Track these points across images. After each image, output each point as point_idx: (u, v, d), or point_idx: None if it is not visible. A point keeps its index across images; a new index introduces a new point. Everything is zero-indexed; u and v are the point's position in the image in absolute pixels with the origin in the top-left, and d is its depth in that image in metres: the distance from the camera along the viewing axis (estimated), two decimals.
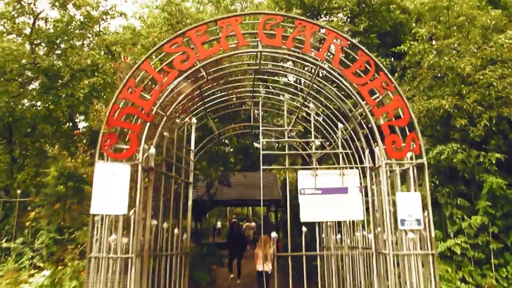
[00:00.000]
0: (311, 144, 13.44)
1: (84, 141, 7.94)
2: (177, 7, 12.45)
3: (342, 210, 6.56)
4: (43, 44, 10.45)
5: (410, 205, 6.23)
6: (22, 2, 10.21)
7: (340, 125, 7.26)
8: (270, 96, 10.91)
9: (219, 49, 6.78)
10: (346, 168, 7.05)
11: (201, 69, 7.46)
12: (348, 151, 7.37)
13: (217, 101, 10.45)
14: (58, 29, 10.27)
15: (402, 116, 6.68)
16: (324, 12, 14.73)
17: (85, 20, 10.91)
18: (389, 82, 6.76)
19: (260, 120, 7.40)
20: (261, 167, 6.77)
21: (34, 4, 10.41)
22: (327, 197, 6.61)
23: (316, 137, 7.16)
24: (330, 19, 15.26)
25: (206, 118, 11.21)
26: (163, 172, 7.33)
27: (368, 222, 7.23)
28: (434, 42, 14.30)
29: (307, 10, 14.90)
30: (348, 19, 15.05)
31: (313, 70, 7.64)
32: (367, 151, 7.10)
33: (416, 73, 13.13)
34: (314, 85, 7.65)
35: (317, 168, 6.69)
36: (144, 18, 13.29)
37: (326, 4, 14.83)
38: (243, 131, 12.82)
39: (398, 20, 15.73)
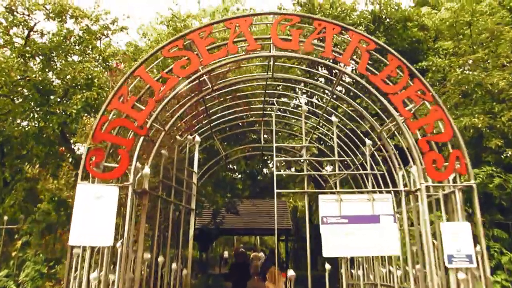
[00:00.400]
0: (325, 167, 12.40)
1: (70, 159, 6.99)
2: (183, 22, 11.72)
3: (374, 243, 5.41)
4: (37, 58, 9.63)
5: (459, 238, 5.09)
6: (15, 13, 9.47)
7: (367, 141, 6.19)
8: (282, 114, 9.94)
9: (225, 53, 5.84)
10: (376, 192, 5.94)
11: (205, 78, 6.52)
12: (376, 172, 6.25)
13: (224, 119, 9.51)
14: (53, 42, 9.47)
15: (442, 131, 5.63)
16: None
17: (84, 34, 10.13)
18: (425, 91, 5.73)
19: (274, 135, 6.33)
20: (275, 190, 5.68)
21: (29, 16, 9.65)
22: (355, 227, 5.48)
23: (335, 157, 6.07)
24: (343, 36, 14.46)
25: (212, 139, 10.24)
26: (160, 196, 6.28)
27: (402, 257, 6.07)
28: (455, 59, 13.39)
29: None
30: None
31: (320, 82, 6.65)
32: (401, 172, 6.00)
33: (440, 91, 12.14)
34: (334, 95, 6.63)
35: (342, 192, 5.59)
36: (147, 33, 12.56)
37: (339, 21, 14.06)
38: (251, 153, 11.78)
39: (415, 38, 14.86)
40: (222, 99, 8.83)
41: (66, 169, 6.48)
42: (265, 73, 6.82)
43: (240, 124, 10.63)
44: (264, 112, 9.58)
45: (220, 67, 6.07)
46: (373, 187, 6.12)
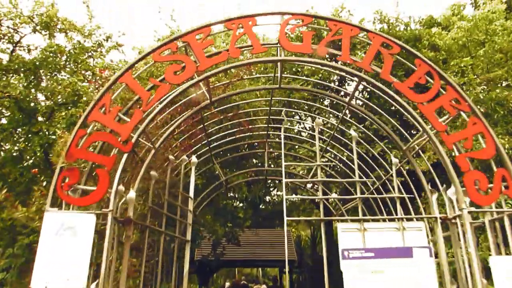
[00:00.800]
0: (333, 192, 11.38)
1: (45, 183, 6.06)
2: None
3: (407, 282, 4.41)
4: (21, 74, 8.85)
5: None
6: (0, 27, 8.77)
7: (394, 159, 5.27)
8: (289, 135, 9.09)
9: (226, 58, 5.02)
10: (403, 219, 4.98)
11: (203, 89, 5.68)
12: (405, 195, 5.29)
13: (224, 140, 8.65)
14: (40, 58, 8.72)
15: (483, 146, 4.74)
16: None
17: (75, 50, 9.38)
18: (461, 100, 4.87)
19: (283, 151, 5.43)
20: (285, 218, 4.73)
21: (15, 30, 8.94)
22: (383, 262, 4.50)
23: (355, 178, 5.16)
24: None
25: (212, 162, 9.33)
26: (149, 226, 5.32)
27: None
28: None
29: (328, 44, 13.43)
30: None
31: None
32: (434, 196, 5.04)
33: None
34: (350, 107, 5.77)
35: (365, 220, 4.64)
36: (144, 51, 11.86)
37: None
38: (254, 178, 10.85)
39: (427, 58, 14.14)
40: (222, 116, 7.99)
41: (38, 194, 5.55)
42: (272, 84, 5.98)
43: (242, 145, 9.77)
44: (269, 132, 8.73)
45: (219, 74, 5.23)
46: (388, 213, 5.15)
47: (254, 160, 11.88)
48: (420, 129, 5.11)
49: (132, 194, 4.79)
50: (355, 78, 5.70)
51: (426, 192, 5.24)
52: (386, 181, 6.98)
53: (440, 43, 14.49)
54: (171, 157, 5.93)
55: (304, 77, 11.42)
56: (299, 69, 12.54)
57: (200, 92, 5.87)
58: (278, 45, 5.12)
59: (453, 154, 4.70)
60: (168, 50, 5.03)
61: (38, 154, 7.80)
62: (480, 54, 11.94)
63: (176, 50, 5.04)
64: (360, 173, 5.55)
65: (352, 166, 6.02)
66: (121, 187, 4.66)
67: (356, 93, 7.55)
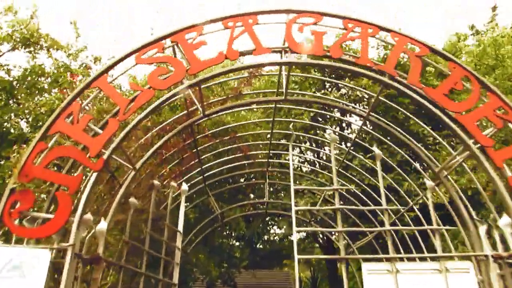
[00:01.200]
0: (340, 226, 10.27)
1: None
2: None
3: None
4: None
5: None
6: None
7: (428, 183, 4.32)
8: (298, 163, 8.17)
9: (222, 59, 4.19)
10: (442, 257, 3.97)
11: (194, 99, 4.82)
12: (442, 227, 4.29)
13: (220, 169, 7.74)
14: (18, 76, 7.89)
15: None
16: (349, 74, 12.59)
17: (58, 69, 8.56)
18: (507, 109, 4.02)
19: (292, 173, 4.48)
20: (296, 256, 3.73)
21: None
22: None
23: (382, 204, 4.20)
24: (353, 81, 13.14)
25: (206, 193, 8.35)
26: (124, 265, 4.28)
27: None
28: None
29: (328, 72, 12.80)
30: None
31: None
32: (483, 228, 4.04)
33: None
34: (368, 122, 4.90)
35: (399, 259, 3.65)
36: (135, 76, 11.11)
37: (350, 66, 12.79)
38: (253, 213, 9.84)
39: (433, 86, 13.44)
40: (217, 140, 7.09)
41: None
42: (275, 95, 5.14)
43: (240, 175, 8.83)
44: (270, 160, 7.81)
45: (213, 80, 4.37)
46: (418, 249, 4.14)
47: (251, 195, 10.91)
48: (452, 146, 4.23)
49: (103, 225, 3.81)
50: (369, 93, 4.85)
51: (467, 224, 4.25)
52: (405, 214, 6.04)
53: (446, 69, 13.91)
54: (156, 181, 4.96)
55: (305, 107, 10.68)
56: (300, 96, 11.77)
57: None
58: (284, 45, 4.32)
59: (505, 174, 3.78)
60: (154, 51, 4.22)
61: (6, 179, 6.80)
62: (491, 81, 11.30)
63: (163, 51, 4.22)
64: (381, 200, 4.59)
65: (370, 192, 5.08)
66: (88, 216, 3.67)
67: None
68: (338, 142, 6.06)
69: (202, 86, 4.80)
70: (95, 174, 3.68)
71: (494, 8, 14.02)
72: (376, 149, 4.36)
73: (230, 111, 6.00)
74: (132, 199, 4.45)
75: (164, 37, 4.33)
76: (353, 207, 6.70)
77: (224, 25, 4.39)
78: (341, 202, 5.73)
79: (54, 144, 3.77)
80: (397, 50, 4.34)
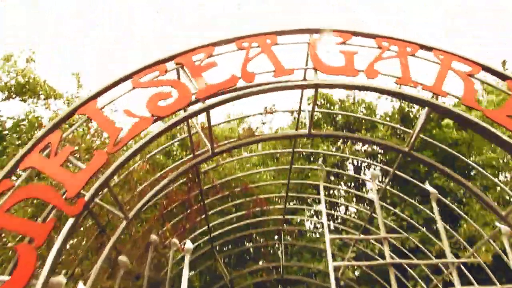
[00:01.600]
0: None
1: None
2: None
3: None
4: None
5: None
6: None
7: (503, 228, 3.40)
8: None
9: (235, 82, 3.51)
10: None
11: (200, 132, 4.06)
12: None
13: (229, 227, 6.85)
14: (11, 126, 7.35)
15: None
16: (363, 127, 12.01)
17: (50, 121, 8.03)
18: None
19: (325, 217, 3.57)
20: None
21: None
22: None
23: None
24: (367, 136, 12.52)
25: (213, 257, 7.34)
26: None
27: None
28: None
29: (341, 127, 12.20)
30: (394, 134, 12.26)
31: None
32: None
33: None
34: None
35: None
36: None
37: (364, 121, 12.23)
38: (266, 279, 8.69)
39: (452, 139, 12.72)
40: (228, 192, 6.25)
41: None
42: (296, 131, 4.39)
43: (251, 235, 7.88)
44: (286, 217, 6.91)
45: (223, 104, 3.64)
46: None
47: (263, 261, 9.80)
48: None
49: None
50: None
51: None
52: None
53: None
54: (153, 236, 4.06)
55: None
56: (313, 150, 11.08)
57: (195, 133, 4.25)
58: (308, 66, 3.64)
59: None
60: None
61: None
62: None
63: (164, 74, 3.56)
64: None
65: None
66: (60, 279, 2.76)
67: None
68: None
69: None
70: (71, 221, 2.82)
71: None
72: (429, 187, 3.50)
73: (242, 147, 5.19)
74: (122, 257, 3.54)
75: (167, 60, 3.68)
76: (409, 260, 5.61)
77: (238, 46, 3.76)
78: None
79: (21, 183, 2.96)
80: (444, 69, 3.64)
